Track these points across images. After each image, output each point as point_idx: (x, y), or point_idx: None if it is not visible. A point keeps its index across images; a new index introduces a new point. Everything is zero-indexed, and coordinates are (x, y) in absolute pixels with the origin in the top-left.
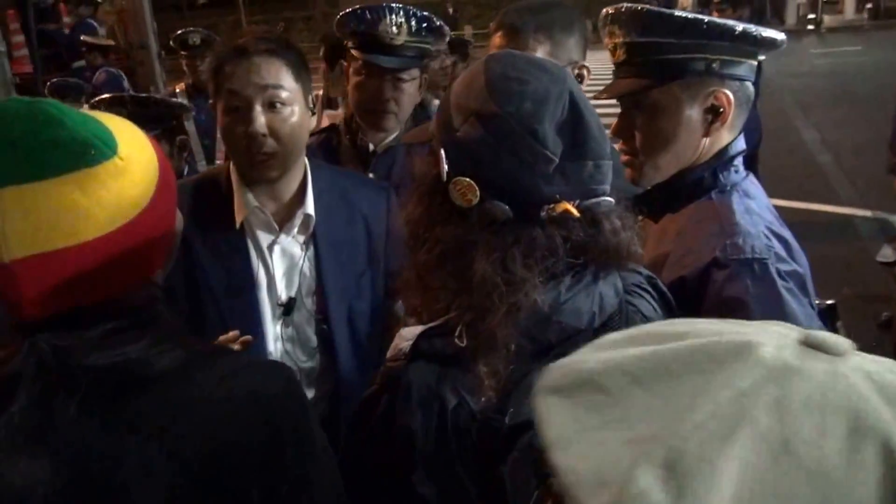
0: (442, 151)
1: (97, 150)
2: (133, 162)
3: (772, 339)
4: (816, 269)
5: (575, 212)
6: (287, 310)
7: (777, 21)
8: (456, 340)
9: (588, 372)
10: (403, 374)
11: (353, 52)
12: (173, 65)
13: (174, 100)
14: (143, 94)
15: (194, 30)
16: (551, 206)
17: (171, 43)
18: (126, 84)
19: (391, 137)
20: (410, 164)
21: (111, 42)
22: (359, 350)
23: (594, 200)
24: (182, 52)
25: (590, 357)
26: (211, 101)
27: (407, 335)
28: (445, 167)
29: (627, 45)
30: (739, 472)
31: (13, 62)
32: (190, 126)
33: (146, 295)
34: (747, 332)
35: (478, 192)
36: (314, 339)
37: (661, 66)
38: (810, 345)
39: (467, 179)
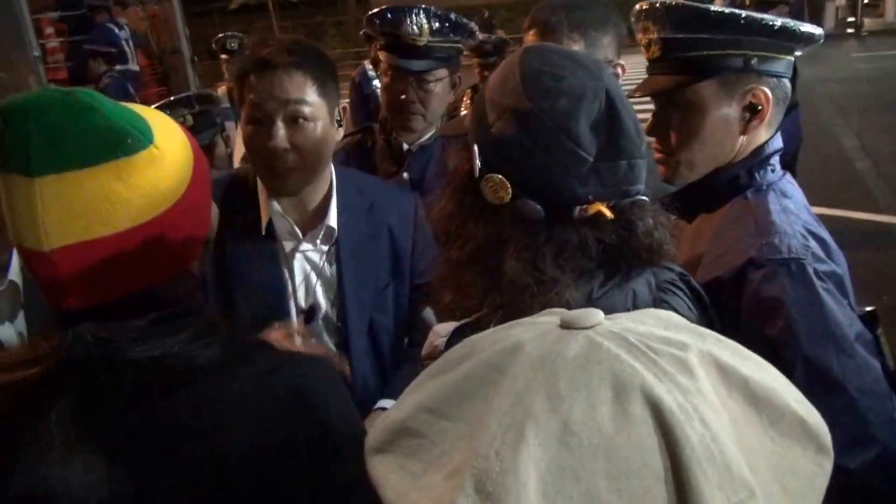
0: (475, 147)
1: (134, 139)
2: (168, 152)
3: (536, 331)
4: (854, 277)
5: (608, 213)
6: (308, 317)
7: (815, 24)
8: None
9: (396, 422)
10: None
11: (381, 53)
12: (205, 70)
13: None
14: (206, 91)
15: (234, 34)
16: (584, 206)
17: (212, 46)
18: (131, 90)
19: (426, 136)
20: (446, 157)
21: (113, 49)
22: (379, 361)
23: (628, 201)
24: (222, 56)
25: (395, 407)
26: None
27: (441, 331)
28: (478, 163)
29: (662, 41)
30: (537, 470)
31: (47, 69)
32: (230, 127)
33: (184, 286)
34: (516, 333)
35: (510, 190)
36: (333, 349)
37: (697, 62)
38: (567, 325)
39: (499, 176)
